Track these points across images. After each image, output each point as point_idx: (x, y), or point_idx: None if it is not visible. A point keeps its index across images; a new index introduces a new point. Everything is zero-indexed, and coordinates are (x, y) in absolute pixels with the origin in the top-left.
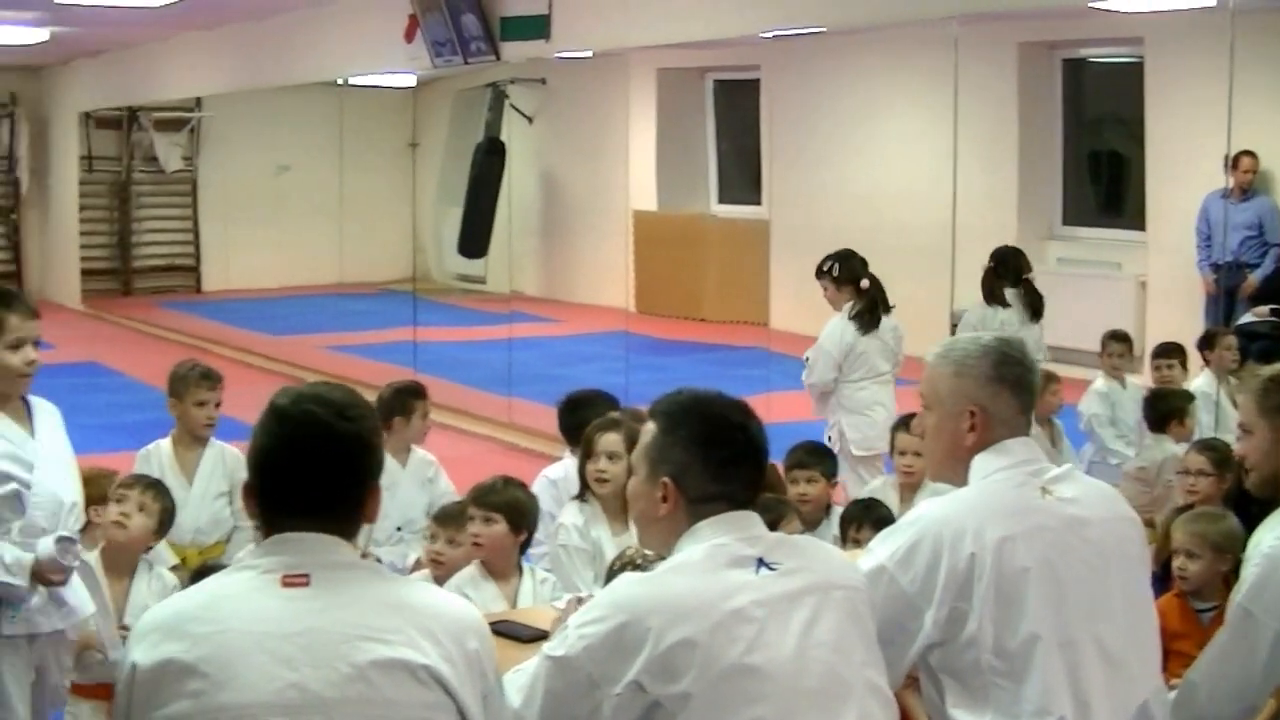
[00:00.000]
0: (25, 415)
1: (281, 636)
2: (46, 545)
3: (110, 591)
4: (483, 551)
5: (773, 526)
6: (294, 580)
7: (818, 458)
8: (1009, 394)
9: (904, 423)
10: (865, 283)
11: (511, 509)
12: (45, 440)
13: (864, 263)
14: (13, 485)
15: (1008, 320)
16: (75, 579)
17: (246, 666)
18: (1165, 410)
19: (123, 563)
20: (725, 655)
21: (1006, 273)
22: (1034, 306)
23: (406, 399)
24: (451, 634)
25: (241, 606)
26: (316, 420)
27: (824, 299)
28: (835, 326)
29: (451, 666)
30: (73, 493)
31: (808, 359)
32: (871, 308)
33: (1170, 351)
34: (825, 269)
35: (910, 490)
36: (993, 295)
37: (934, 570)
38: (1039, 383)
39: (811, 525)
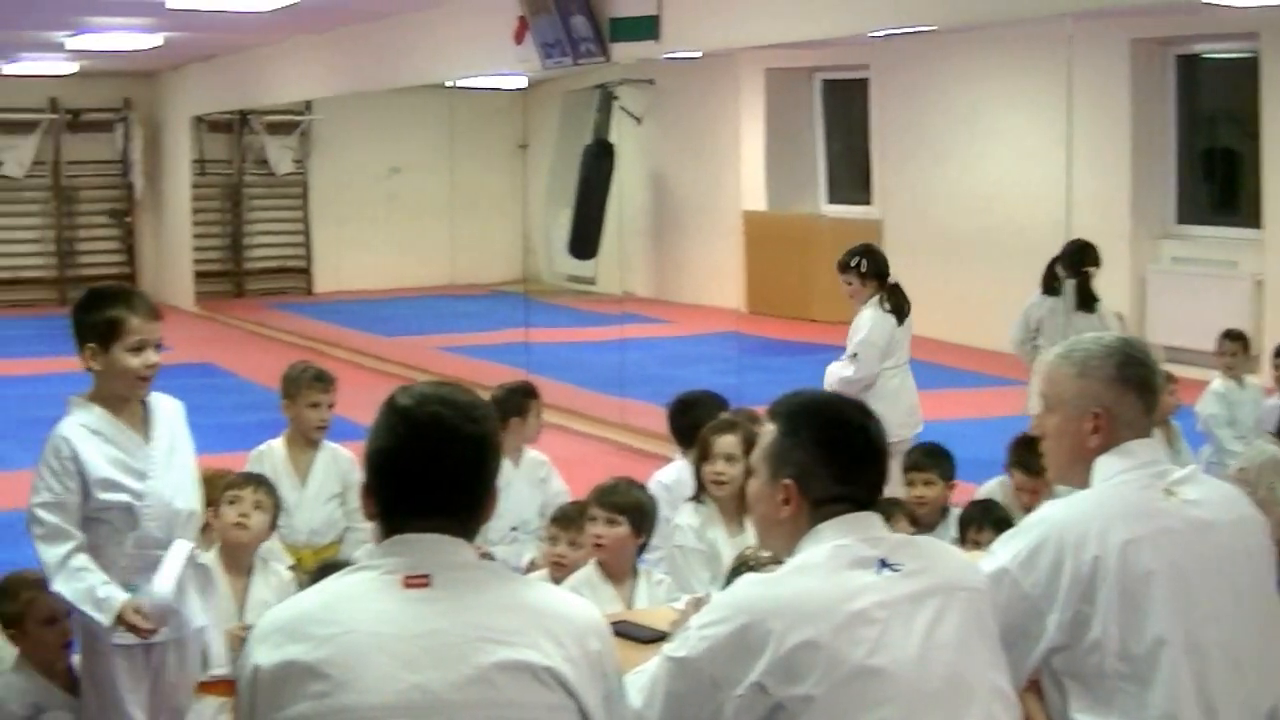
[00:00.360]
0: (142, 419)
1: (403, 638)
2: (161, 593)
3: (230, 590)
4: (604, 552)
5: None
6: (415, 581)
7: (935, 459)
8: (1133, 395)
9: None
10: (890, 278)
11: (635, 510)
12: (162, 444)
13: (886, 259)
14: (123, 496)
15: (1054, 309)
16: (190, 587)
17: (369, 668)
18: None
19: (240, 561)
20: (848, 657)
21: (1071, 264)
22: (1084, 297)
23: (521, 399)
24: (573, 635)
25: (363, 607)
26: (443, 422)
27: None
28: (874, 319)
29: (573, 667)
30: (190, 499)
31: (855, 355)
32: (900, 296)
33: None
34: (852, 264)
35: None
36: (1049, 285)
37: (1057, 573)
38: (1162, 384)
39: (928, 527)
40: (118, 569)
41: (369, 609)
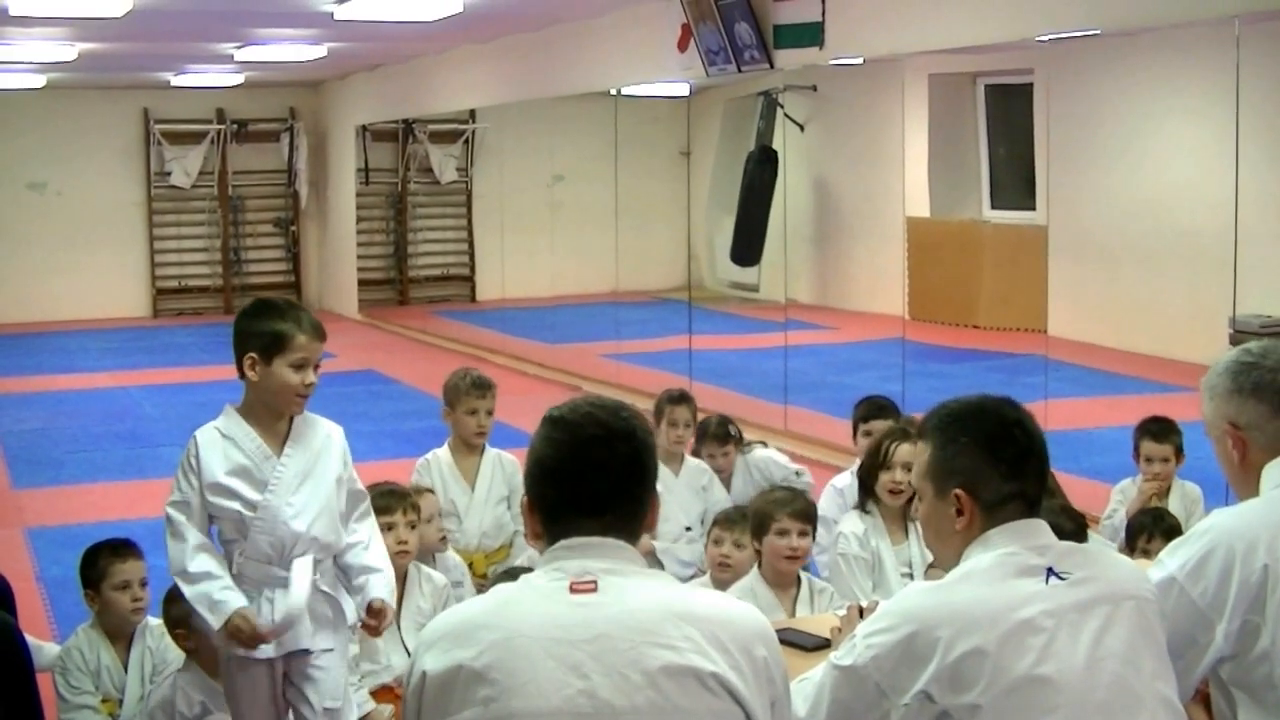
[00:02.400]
0: (282, 434)
1: (571, 643)
2: (290, 605)
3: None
4: (797, 564)
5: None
6: (582, 586)
7: None
8: (1253, 400)
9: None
10: None
11: (810, 518)
12: (295, 463)
13: None
14: (235, 504)
15: None
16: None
17: (536, 673)
18: None
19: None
20: (1015, 666)
21: None
22: None
23: (661, 405)
24: (739, 641)
25: (530, 612)
26: (601, 423)
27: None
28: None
29: (739, 674)
30: (316, 525)
31: None
32: None
33: None
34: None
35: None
36: None
37: (1226, 582)
38: None
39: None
40: (239, 577)
41: (536, 613)
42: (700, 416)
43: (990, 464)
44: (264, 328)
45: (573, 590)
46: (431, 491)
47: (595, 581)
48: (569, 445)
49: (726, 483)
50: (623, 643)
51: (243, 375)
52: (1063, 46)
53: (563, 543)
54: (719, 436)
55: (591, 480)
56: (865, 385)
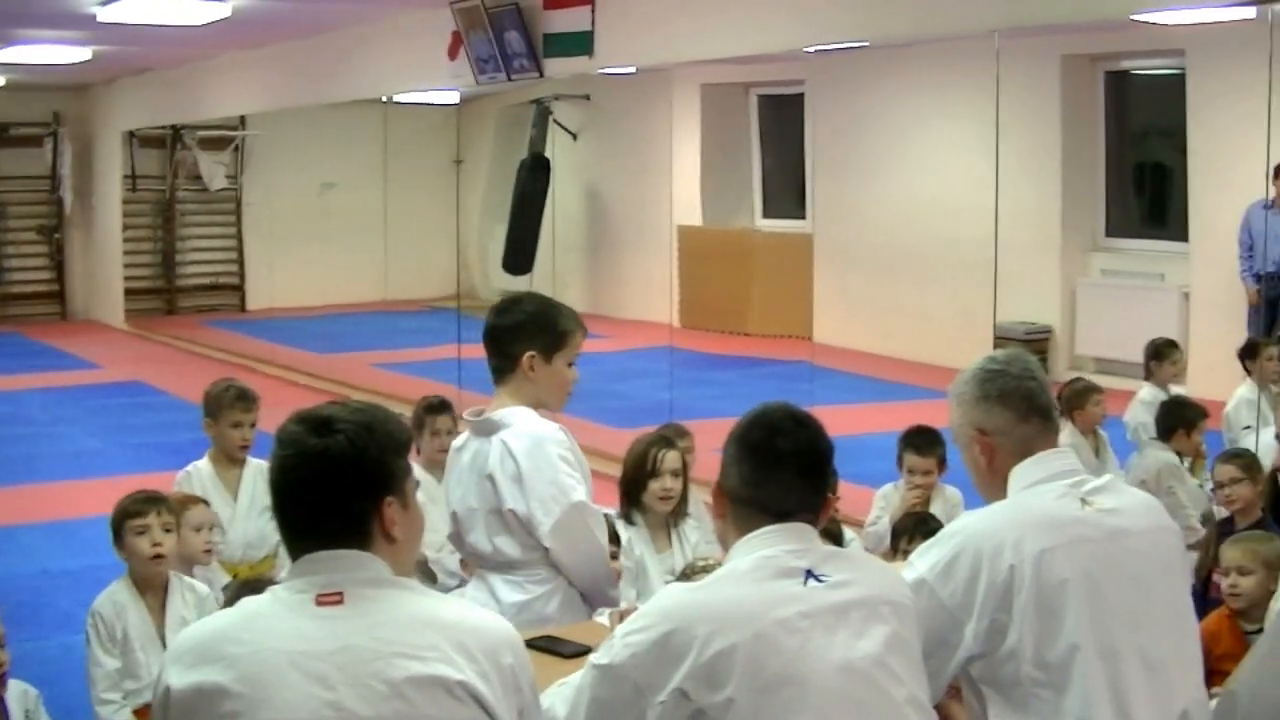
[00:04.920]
0: None
1: (317, 655)
2: None
3: (148, 611)
4: None
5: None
6: (328, 599)
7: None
8: (999, 406)
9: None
10: None
11: None
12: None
13: None
14: None
15: None
16: None
17: (282, 687)
18: (1177, 419)
19: (157, 582)
20: (769, 665)
21: None
22: None
23: (420, 415)
24: (486, 649)
25: (276, 626)
26: (295, 439)
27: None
28: None
29: (487, 683)
30: None
31: None
32: None
33: None
34: None
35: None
36: None
37: (974, 583)
38: (1036, 387)
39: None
40: None
41: (282, 627)
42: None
43: (737, 469)
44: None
45: (318, 603)
46: (206, 503)
47: (341, 594)
48: (279, 463)
49: None
50: (368, 654)
51: None
52: (833, 58)
53: (307, 556)
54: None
55: (300, 497)
56: (636, 393)
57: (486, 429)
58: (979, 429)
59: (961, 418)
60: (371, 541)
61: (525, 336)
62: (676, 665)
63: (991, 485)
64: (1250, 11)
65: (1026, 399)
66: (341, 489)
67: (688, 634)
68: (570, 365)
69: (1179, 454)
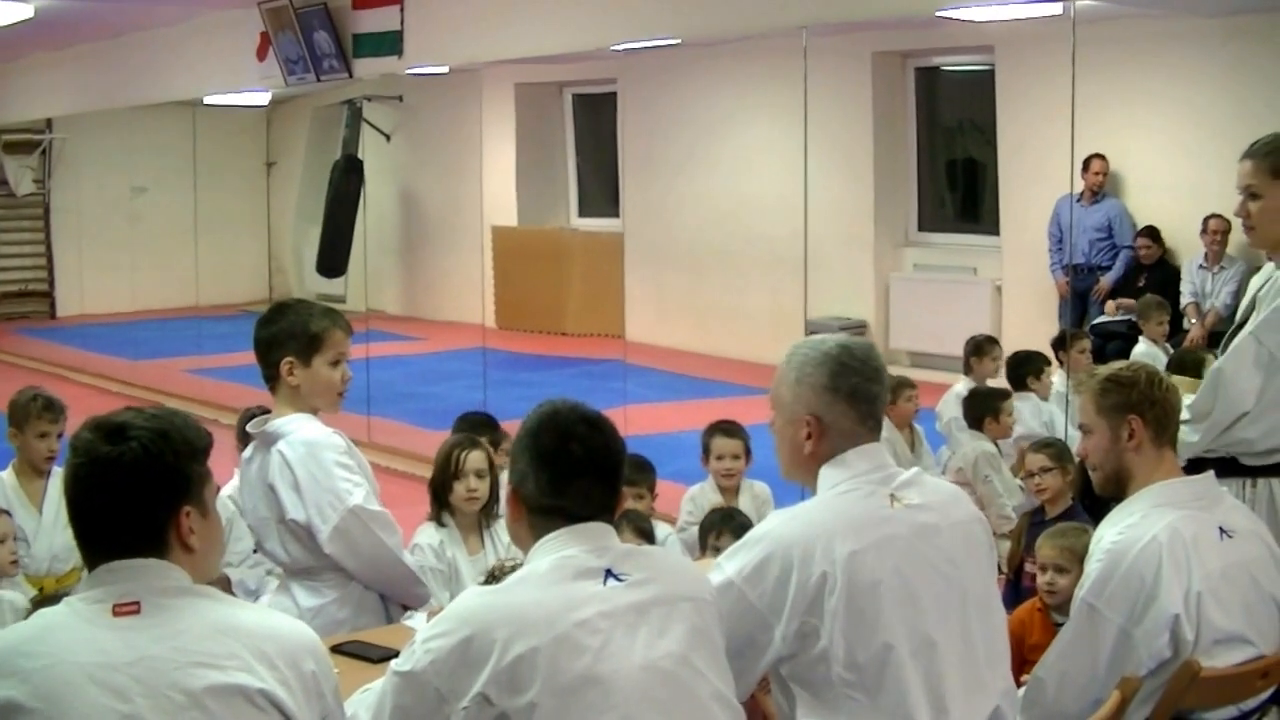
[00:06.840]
0: None
1: (113, 667)
2: None
3: None
4: None
5: None
6: (125, 609)
7: (643, 473)
8: (844, 404)
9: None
10: None
11: None
12: None
13: None
14: None
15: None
16: None
17: (78, 700)
18: (981, 408)
19: None
20: (570, 666)
21: None
22: None
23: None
24: (287, 656)
25: (72, 638)
26: (88, 446)
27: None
28: None
29: (288, 690)
30: None
31: None
32: None
33: None
34: None
35: None
36: None
37: (783, 586)
38: (882, 391)
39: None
40: None
41: (78, 639)
42: None
43: (534, 475)
44: None
45: (115, 613)
46: (8, 514)
47: (138, 603)
48: (70, 471)
49: None
50: (166, 664)
51: None
52: (644, 56)
53: (104, 566)
54: None
55: (90, 507)
56: (450, 395)
57: (267, 440)
58: (815, 415)
59: (796, 398)
60: (169, 550)
61: (278, 344)
62: (478, 670)
63: (805, 470)
64: (1056, 8)
65: (870, 404)
66: (136, 498)
67: (487, 638)
68: (335, 365)
69: (995, 441)
